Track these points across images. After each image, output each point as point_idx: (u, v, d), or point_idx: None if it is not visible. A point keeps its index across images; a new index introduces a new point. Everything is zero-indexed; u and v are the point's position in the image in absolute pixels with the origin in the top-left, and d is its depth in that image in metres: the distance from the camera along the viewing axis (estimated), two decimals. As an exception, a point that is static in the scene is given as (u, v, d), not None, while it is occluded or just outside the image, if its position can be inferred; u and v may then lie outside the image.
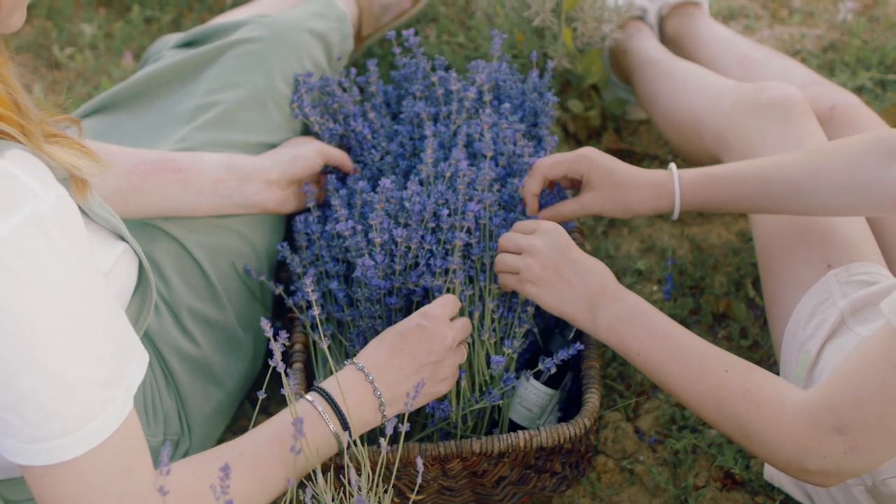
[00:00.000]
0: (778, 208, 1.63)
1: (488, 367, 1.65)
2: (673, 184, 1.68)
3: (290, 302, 1.75)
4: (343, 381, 1.44)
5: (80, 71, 2.52)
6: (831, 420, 1.28)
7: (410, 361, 1.48)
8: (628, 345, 1.49)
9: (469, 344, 1.64)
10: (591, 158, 1.70)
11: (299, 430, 1.20)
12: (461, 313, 1.65)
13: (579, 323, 1.55)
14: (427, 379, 1.49)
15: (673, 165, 1.70)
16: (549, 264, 1.56)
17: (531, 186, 1.73)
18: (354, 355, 1.67)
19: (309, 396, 1.42)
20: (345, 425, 1.41)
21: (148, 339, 1.67)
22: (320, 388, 1.43)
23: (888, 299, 1.24)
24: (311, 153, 1.81)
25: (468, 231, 1.66)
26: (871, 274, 1.58)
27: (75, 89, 2.46)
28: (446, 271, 1.65)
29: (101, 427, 1.18)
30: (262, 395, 1.38)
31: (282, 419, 1.39)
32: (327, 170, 1.88)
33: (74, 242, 1.15)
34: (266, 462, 1.34)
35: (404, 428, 1.33)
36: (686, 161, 2.12)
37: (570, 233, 1.81)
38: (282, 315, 1.92)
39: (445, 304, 1.54)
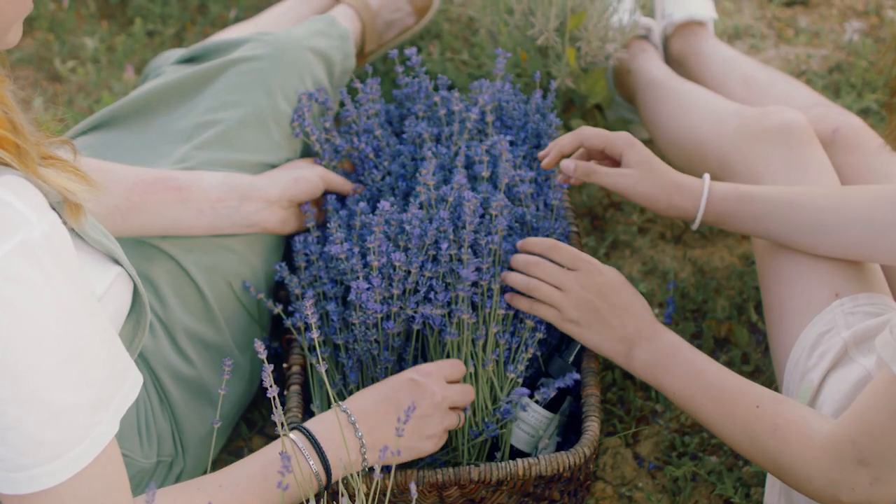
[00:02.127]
0: (794, 237, 1.63)
1: (492, 400, 1.64)
2: (702, 188, 1.66)
3: (288, 323, 1.73)
4: (327, 422, 1.46)
5: (82, 84, 2.51)
6: (853, 453, 1.31)
7: (395, 411, 1.49)
8: (664, 384, 1.54)
9: (471, 374, 1.63)
10: (631, 139, 1.69)
11: (286, 467, 1.19)
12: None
13: (616, 361, 1.60)
14: (411, 432, 1.50)
15: (707, 175, 1.69)
16: (591, 308, 1.60)
17: (563, 142, 1.72)
18: (348, 381, 1.67)
19: (293, 435, 1.43)
20: (326, 466, 1.43)
21: (143, 360, 1.66)
22: (304, 428, 1.45)
23: (881, 336, 1.25)
24: (314, 177, 1.81)
25: (477, 269, 1.65)
26: (877, 305, 1.57)
27: (76, 103, 2.45)
28: (448, 303, 1.64)
29: (86, 451, 1.16)
30: (216, 424, 1.39)
31: (264, 455, 1.40)
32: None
33: (67, 269, 1.14)
34: (246, 496, 1.34)
35: (394, 462, 1.33)
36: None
37: (565, 235, 1.79)
38: (280, 336, 1.91)
39: (443, 366, 1.57)
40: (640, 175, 1.67)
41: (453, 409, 1.57)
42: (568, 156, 1.76)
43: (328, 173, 1.84)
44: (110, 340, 1.21)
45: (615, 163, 1.73)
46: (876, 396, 1.28)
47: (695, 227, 1.69)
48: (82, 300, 1.16)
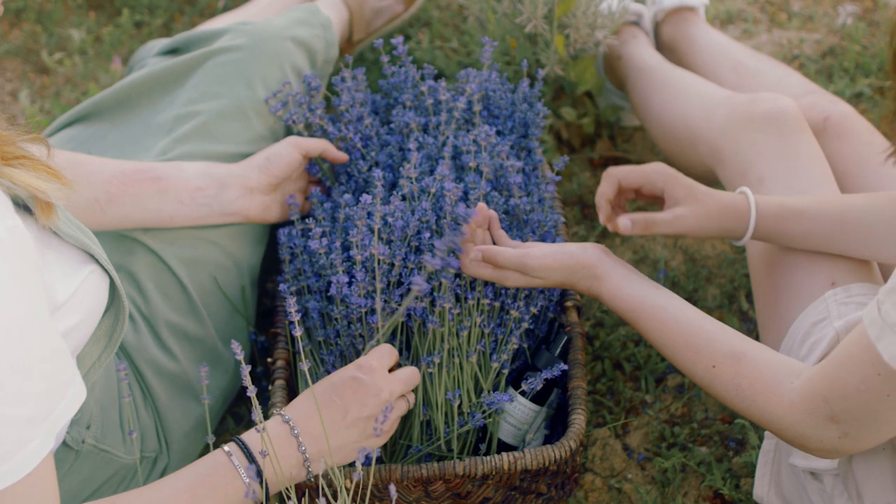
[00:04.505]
0: (847, 251, 1.60)
1: (476, 393, 1.63)
2: (749, 207, 1.62)
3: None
4: (268, 434, 1.37)
5: (69, 76, 2.49)
6: (825, 409, 1.33)
7: (342, 416, 1.43)
8: (630, 321, 1.55)
9: (458, 365, 1.61)
10: (669, 173, 1.65)
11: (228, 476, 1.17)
12: (451, 329, 1.62)
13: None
14: (359, 435, 1.44)
15: (747, 189, 1.64)
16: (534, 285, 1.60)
17: (605, 191, 1.68)
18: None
19: (227, 447, 1.37)
20: (263, 483, 1.36)
21: (125, 354, 1.64)
22: (239, 440, 1.39)
23: (868, 309, 1.25)
24: (286, 148, 1.77)
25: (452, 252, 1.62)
26: (870, 295, 1.55)
27: (63, 95, 2.43)
28: (431, 292, 1.62)
29: (18, 466, 1.13)
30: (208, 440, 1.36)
31: (193, 470, 1.35)
32: (314, 170, 1.84)
33: (19, 279, 1.11)
34: None
35: (375, 454, 1.31)
36: (681, 170, 2.08)
37: (555, 225, 1.77)
38: (266, 328, 1.90)
39: (382, 356, 1.50)
40: (695, 210, 1.62)
41: (400, 397, 1.52)
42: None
43: (300, 139, 1.79)
44: (58, 354, 1.18)
45: (653, 196, 1.69)
46: (851, 360, 1.29)
47: (739, 244, 1.65)
48: (33, 312, 1.13)
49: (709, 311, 1.97)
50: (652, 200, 1.70)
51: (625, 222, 1.64)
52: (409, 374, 1.52)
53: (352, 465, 1.54)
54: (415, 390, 1.60)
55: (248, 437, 1.40)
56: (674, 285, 2.03)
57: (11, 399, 1.12)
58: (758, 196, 1.63)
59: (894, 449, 1.45)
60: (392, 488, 1.23)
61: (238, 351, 1.28)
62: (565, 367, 1.59)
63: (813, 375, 1.35)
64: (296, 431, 1.40)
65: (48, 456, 1.18)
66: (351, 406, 1.44)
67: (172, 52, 1.99)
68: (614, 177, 1.67)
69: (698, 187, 1.64)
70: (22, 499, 1.15)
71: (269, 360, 1.71)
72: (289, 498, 1.38)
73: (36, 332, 1.14)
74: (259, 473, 1.36)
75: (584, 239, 2.13)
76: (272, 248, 1.91)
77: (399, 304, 1.61)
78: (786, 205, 1.62)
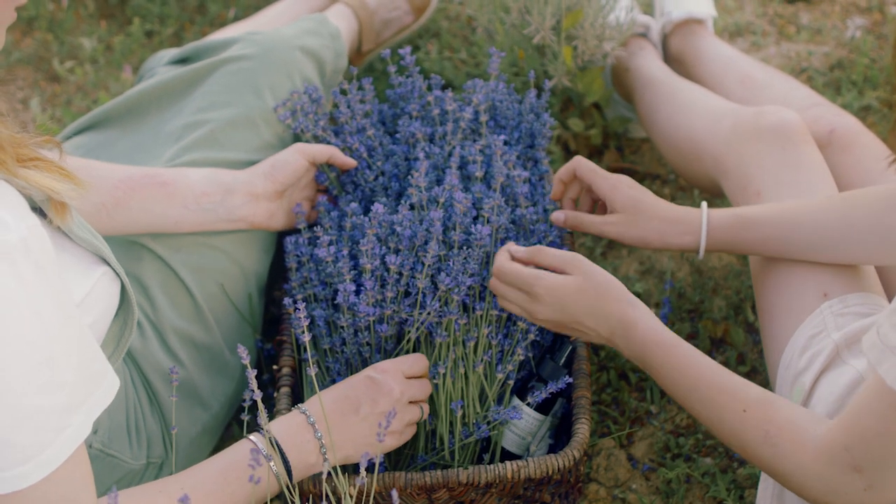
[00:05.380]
0: (805, 255, 1.60)
1: (481, 402, 1.63)
2: (700, 221, 1.64)
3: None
4: (286, 425, 1.46)
5: (80, 84, 2.51)
6: (847, 459, 1.28)
7: (354, 410, 1.49)
8: (654, 378, 1.49)
9: (462, 376, 1.62)
10: (614, 183, 1.68)
11: (256, 461, 1.19)
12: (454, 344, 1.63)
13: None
14: (370, 430, 1.49)
15: (705, 204, 1.66)
16: (560, 325, 1.56)
17: (561, 173, 1.74)
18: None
19: (252, 437, 1.43)
20: (287, 467, 1.43)
21: (132, 360, 1.65)
22: (263, 430, 1.44)
23: (867, 335, 1.22)
24: (292, 155, 1.78)
25: (468, 273, 1.63)
26: (868, 305, 1.55)
27: (74, 103, 2.45)
28: (439, 305, 1.63)
29: (56, 454, 1.16)
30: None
31: (225, 457, 1.40)
32: (322, 178, 1.85)
33: (43, 273, 1.14)
34: (208, 499, 1.35)
35: (378, 459, 1.31)
36: (686, 183, 2.09)
37: (559, 238, 1.77)
38: (273, 336, 1.90)
39: (401, 362, 1.56)
40: (627, 220, 1.66)
41: (413, 403, 1.57)
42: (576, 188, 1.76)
43: (306, 146, 1.80)
44: (85, 344, 1.20)
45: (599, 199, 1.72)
46: (867, 401, 1.25)
47: (700, 257, 1.67)
48: (58, 304, 1.15)
49: (714, 323, 1.98)
50: (600, 203, 1.74)
51: (558, 216, 1.73)
52: (423, 384, 1.57)
53: (356, 471, 1.55)
54: (422, 401, 1.62)
55: (271, 427, 1.46)
56: (680, 297, 2.04)
57: (45, 388, 1.14)
58: (711, 209, 1.65)
59: None
60: (394, 494, 1.23)
61: (244, 355, 1.29)
62: (570, 379, 1.59)
63: (834, 425, 1.31)
64: (312, 420, 1.46)
65: (83, 444, 1.20)
66: (363, 401, 1.50)
67: (182, 61, 2.01)
68: (573, 164, 1.73)
69: (644, 202, 1.66)
70: (60, 485, 1.18)
71: (275, 367, 1.72)
72: (292, 502, 1.39)
73: (65, 324, 1.16)
74: (285, 460, 1.42)
75: (590, 249, 2.13)
76: (280, 256, 1.92)
77: (408, 314, 1.62)
78: (739, 214, 1.64)
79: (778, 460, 1.35)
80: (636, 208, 1.66)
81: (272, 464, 1.41)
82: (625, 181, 1.68)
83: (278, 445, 1.43)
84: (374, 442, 1.50)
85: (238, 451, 1.41)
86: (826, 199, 1.61)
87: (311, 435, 1.46)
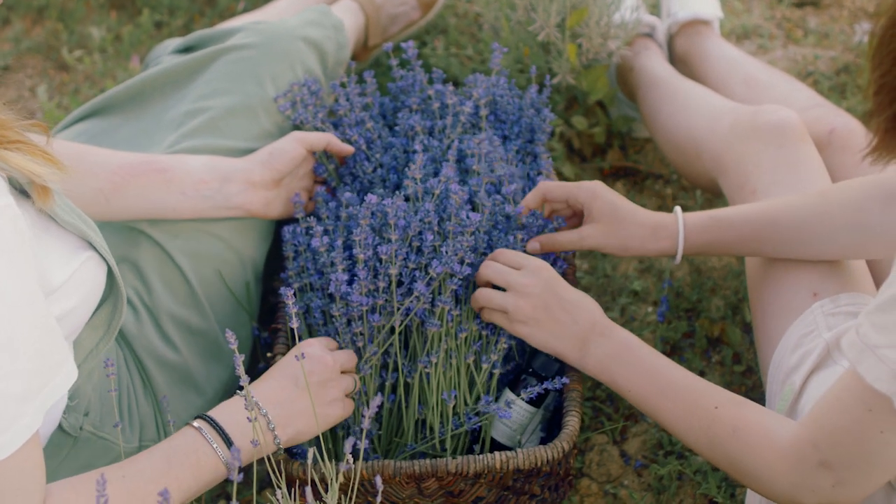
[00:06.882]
0: (783, 252, 1.61)
1: (470, 391, 1.64)
2: (677, 225, 1.65)
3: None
4: (228, 409, 1.44)
5: (88, 74, 2.52)
6: (816, 456, 1.28)
7: (293, 383, 1.49)
8: (619, 381, 1.51)
9: (454, 366, 1.62)
10: (594, 190, 1.68)
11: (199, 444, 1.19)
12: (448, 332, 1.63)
13: (569, 360, 1.57)
14: (315, 401, 1.50)
15: (678, 208, 1.67)
16: (539, 304, 1.57)
17: (528, 201, 1.73)
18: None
19: (195, 423, 1.41)
20: (229, 445, 1.41)
21: (126, 344, 1.66)
22: (206, 416, 1.43)
23: (847, 336, 1.21)
24: (290, 143, 1.79)
25: (461, 261, 1.64)
26: (859, 304, 1.55)
27: (82, 92, 2.47)
28: (431, 294, 1.63)
29: (9, 442, 1.16)
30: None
31: (169, 444, 1.38)
32: (320, 170, 1.86)
33: (10, 255, 1.13)
34: (147, 486, 1.32)
35: (363, 445, 1.32)
36: (688, 183, 2.09)
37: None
38: (269, 322, 1.91)
39: (323, 339, 1.58)
40: (605, 228, 1.67)
41: (345, 373, 1.57)
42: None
43: (303, 134, 1.81)
44: (48, 332, 1.20)
45: (578, 211, 1.73)
46: (838, 398, 1.25)
47: (677, 262, 1.68)
48: (23, 288, 1.15)
49: (712, 322, 1.98)
50: (579, 215, 1.73)
51: (533, 245, 1.71)
52: (348, 354, 1.58)
53: (341, 459, 1.55)
54: (411, 389, 1.62)
55: (214, 412, 1.44)
56: (678, 295, 2.04)
57: (2, 374, 1.13)
58: (686, 213, 1.66)
59: (887, 491, 1.43)
60: (378, 480, 1.24)
61: (232, 340, 1.29)
62: (566, 380, 1.59)
63: (803, 422, 1.32)
64: (255, 398, 1.45)
65: (36, 433, 1.20)
66: (299, 374, 1.50)
67: (187, 49, 2.02)
68: (541, 189, 1.72)
69: (623, 208, 1.66)
70: (13, 473, 1.17)
71: (269, 355, 1.73)
72: (279, 487, 1.39)
73: (25, 311, 1.16)
74: (228, 443, 1.40)
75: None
76: (278, 245, 1.93)
77: (400, 304, 1.63)
78: (714, 215, 1.64)
79: (746, 456, 1.36)
80: (615, 214, 1.66)
81: (216, 446, 1.39)
82: (601, 186, 1.68)
83: (220, 427, 1.41)
84: (322, 412, 1.51)
85: (181, 437, 1.39)
86: (803, 196, 1.61)
87: (256, 414, 1.44)
